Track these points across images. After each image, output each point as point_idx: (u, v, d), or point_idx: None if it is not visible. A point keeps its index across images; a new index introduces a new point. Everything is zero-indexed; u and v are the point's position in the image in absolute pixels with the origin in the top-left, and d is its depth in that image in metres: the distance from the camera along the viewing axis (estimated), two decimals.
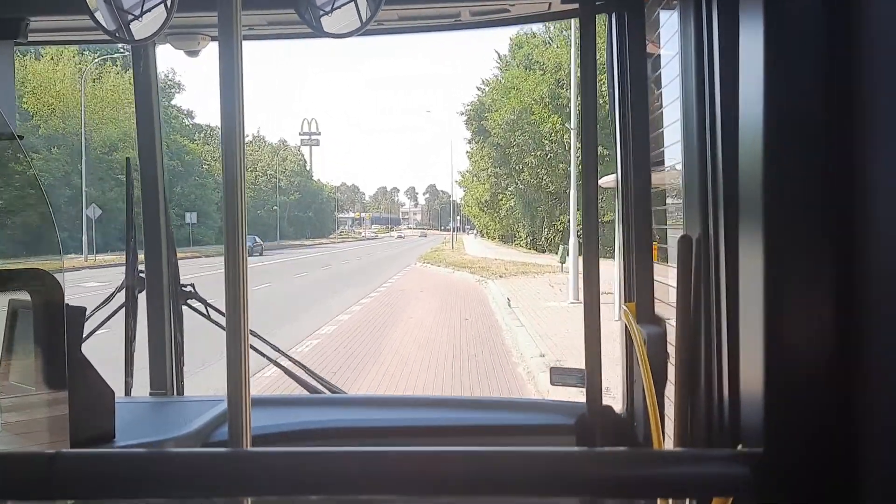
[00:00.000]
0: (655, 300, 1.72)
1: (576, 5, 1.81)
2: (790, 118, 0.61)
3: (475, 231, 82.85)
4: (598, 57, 1.81)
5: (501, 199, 45.97)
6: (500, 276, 23.74)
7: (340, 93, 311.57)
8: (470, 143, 49.20)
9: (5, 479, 0.65)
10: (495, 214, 49.67)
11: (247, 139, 1.55)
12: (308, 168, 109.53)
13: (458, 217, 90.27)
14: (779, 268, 0.61)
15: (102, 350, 1.92)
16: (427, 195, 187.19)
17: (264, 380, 6.24)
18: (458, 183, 62.09)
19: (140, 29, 1.64)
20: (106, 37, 1.69)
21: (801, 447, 0.60)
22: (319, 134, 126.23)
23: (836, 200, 0.59)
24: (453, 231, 58.43)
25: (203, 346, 2.95)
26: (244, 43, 1.41)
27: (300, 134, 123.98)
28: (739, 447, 0.68)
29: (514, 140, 39.88)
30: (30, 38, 1.95)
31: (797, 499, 0.60)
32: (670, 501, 1.28)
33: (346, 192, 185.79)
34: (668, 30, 1.50)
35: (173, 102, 55.23)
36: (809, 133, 0.60)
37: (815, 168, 0.60)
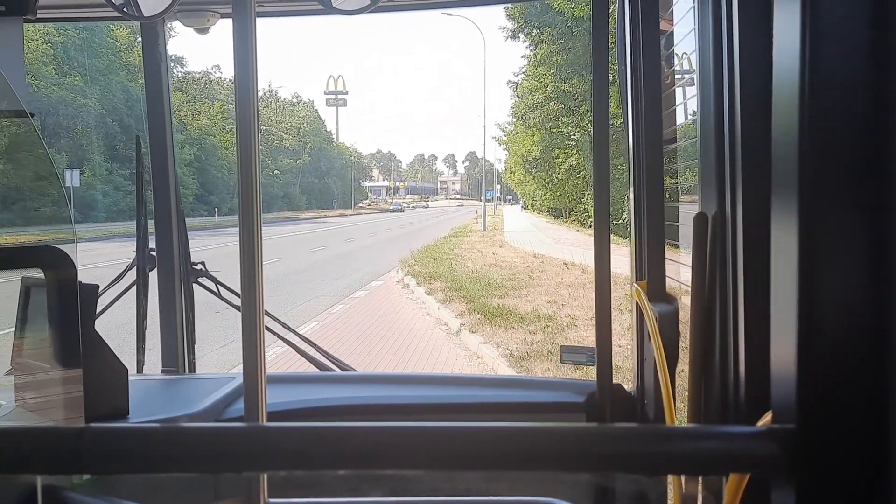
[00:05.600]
0: (667, 278, 1.82)
1: None
2: (833, 94, 0.64)
3: (521, 202, 74.96)
4: (609, 35, 1.91)
5: (558, 156, 33.69)
6: None
7: (374, 52, 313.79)
8: (514, 36, 33.29)
9: (35, 453, 0.73)
10: (547, 179, 37.64)
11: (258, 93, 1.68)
12: (332, 129, 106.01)
13: (499, 186, 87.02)
14: (814, 241, 0.65)
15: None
16: (467, 163, 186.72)
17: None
18: (498, 141, 48.69)
19: (149, 5, 1.79)
20: (115, 13, 1.84)
21: (836, 423, 0.64)
22: (346, 93, 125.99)
23: (877, 178, 0.63)
24: (485, 203, 42.50)
25: None
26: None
27: (325, 93, 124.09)
28: (762, 423, 0.74)
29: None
30: (39, 15, 2.12)
31: (833, 477, 0.64)
32: (683, 476, 1.39)
33: (381, 160, 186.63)
34: (683, 6, 1.58)
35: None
36: (853, 110, 0.63)
37: (858, 144, 0.64)
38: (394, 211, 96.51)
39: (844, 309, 0.65)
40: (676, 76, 1.81)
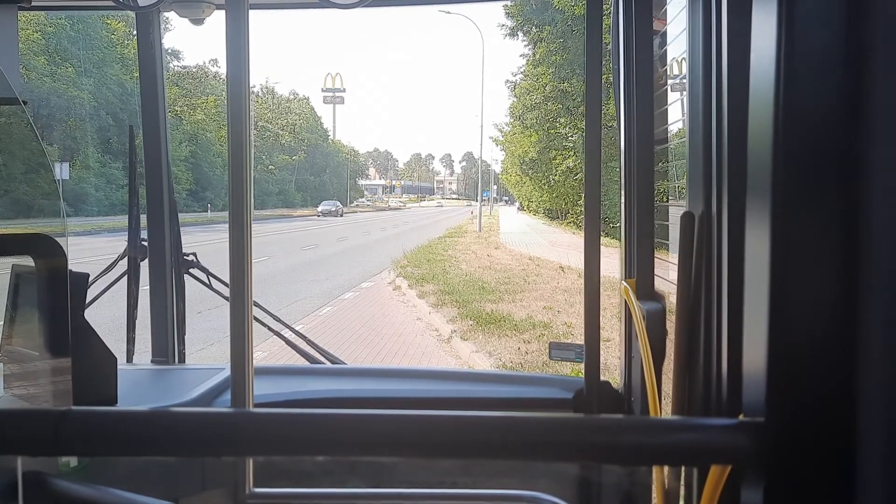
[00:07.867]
0: (655, 277, 1.86)
1: None
2: (805, 98, 0.66)
3: (517, 203, 75.36)
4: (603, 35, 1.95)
5: (555, 157, 33.28)
6: None
7: (371, 50, 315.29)
8: (512, 34, 33.02)
9: (15, 435, 0.74)
10: (544, 181, 37.56)
11: (253, 89, 1.72)
12: (329, 127, 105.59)
13: (496, 187, 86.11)
14: (785, 242, 0.68)
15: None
16: (464, 163, 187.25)
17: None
18: (496, 141, 47.52)
19: None
20: (110, 2, 1.87)
21: (803, 417, 0.67)
22: (344, 91, 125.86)
23: (846, 180, 0.65)
24: (481, 203, 40.31)
25: None
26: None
27: (322, 90, 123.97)
28: (741, 417, 0.76)
29: None
30: (33, 3, 2.15)
31: (799, 467, 0.67)
32: (666, 470, 1.43)
33: (378, 158, 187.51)
34: (676, 6, 1.61)
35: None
36: (825, 114, 0.66)
37: (829, 147, 0.66)
38: (324, 215, 58.90)
39: (813, 309, 0.68)
40: (669, 81, 1.84)
